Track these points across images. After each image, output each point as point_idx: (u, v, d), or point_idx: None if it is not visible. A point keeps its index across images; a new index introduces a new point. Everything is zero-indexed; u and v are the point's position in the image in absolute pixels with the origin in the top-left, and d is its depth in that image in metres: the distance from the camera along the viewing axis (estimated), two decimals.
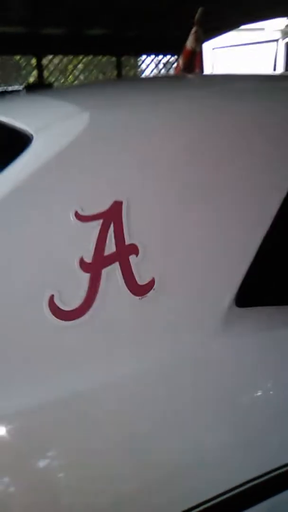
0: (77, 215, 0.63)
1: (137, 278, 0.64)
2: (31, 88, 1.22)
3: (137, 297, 0.64)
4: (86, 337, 0.61)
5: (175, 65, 6.29)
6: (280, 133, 0.78)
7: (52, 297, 0.59)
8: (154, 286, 0.64)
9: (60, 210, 0.63)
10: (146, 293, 0.64)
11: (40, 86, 1.26)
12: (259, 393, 0.74)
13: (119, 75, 6.47)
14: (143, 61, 6.57)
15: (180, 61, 2.42)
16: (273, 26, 10.08)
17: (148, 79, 1.70)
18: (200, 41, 2.34)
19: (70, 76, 6.45)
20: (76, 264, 0.61)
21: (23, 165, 0.68)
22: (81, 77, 6.68)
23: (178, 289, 0.67)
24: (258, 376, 0.73)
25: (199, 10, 2.33)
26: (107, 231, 0.63)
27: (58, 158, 0.67)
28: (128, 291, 0.63)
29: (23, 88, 1.20)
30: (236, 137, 0.75)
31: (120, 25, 5.48)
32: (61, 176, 0.66)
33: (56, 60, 6.18)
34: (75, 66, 6.51)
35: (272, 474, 0.68)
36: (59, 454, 0.58)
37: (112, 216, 0.64)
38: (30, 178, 0.65)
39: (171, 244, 0.68)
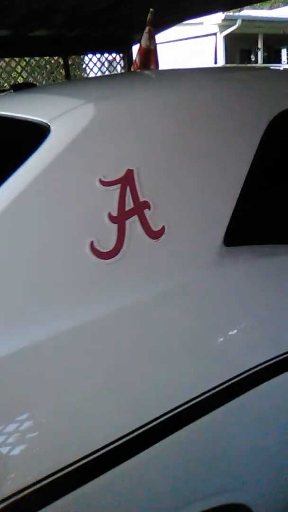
0: (101, 182, 0.81)
1: (151, 226, 0.83)
2: (18, 88, 1.36)
3: (153, 240, 0.83)
4: (119, 270, 0.80)
5: (122, 62, 6.49)
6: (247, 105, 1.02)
7: (92, 242, 0.78)
8: (165, 231, 0.84)
9: (89, 179, 0.81)
10: (160, 237, 0.84)
11: (26, 86, 1.38)
12: (240, 319, 0.94)
13: (67, 75, 6.57)
14: (90, 60, 6.67)
15: (137, 59, 2.62)
16: (211, 20, 10.44)
17: (134, 73, 1.91)
18: (153, 39, 2.55)
19: (20, 78, 6.47)
20: (106, 218, 0.80)
21: (51, 148, 0.85)
22: (30, 79, 6.71)
23: (181, 234, 0.88)
24: (245, 302, 0.94)
25: (151, 10, 2.54)
26: (125, 192, 0.82)
27: (79, 140, 0.85)
28: (147, 236, 0.83)
29: (10, 88, 1.32)
30: (214, 113, 0.98)
31: (64, 25, 5.59)
32: (84, 154, 0.84)
33: (3, 63, 6.21)
34: (23, 68, 6.53)
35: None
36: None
37: (127, 180, 0.83)
38: (61, 157, 0.83)
39: (173, 200, 0.88)
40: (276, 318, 0.96)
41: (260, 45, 12.46)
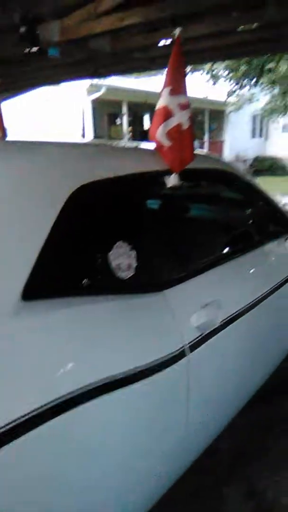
0: None
1: None
2: None
3: None
4: None
5: None
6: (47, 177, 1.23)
7: None
8: None
9: None
10: None
11: None
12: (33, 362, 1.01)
13: None
14: None
15: None
16: (78, 84, 11.11)
17: None
18: None
19: None
20: None
21: None
22: None
23: None
24: (41, 351, 1.03)
25: None
26: None
27: None
28: None
29: None
30: (21, 181, 1.16)
31: None
32: None
33: None
34: None
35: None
36: None
37: None
38: None
39: None
40: (59, 366, 1.05)
41: (125, 110, 13.64)
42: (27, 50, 3.26)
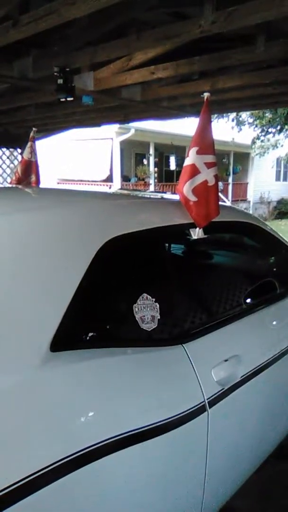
0: None
1: None
2: None
3: None
4: None
5: (19, 157, 6.88)
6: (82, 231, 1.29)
7: None
8: None
9: None
10: None
11: None
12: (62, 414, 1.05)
13: None
14: None
15: (19, 169, 2.92)
16: (107, 126, 11.53)
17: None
18: (35, 153, 2.89)
19: None
20: None
21: None
22: None
23: (7, 343, 1.05)
24: (66, 402, 1.07)
25: (33, 129, 2.92)
26: None
27: None
28: None
29: None
30: (52, 234, 1.23)
31: None
32: None
33: None
34: None
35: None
36: None
37: None
38: None
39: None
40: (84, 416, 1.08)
41: (151, 151, 14.02)
42: (63, 98, 3.46)
